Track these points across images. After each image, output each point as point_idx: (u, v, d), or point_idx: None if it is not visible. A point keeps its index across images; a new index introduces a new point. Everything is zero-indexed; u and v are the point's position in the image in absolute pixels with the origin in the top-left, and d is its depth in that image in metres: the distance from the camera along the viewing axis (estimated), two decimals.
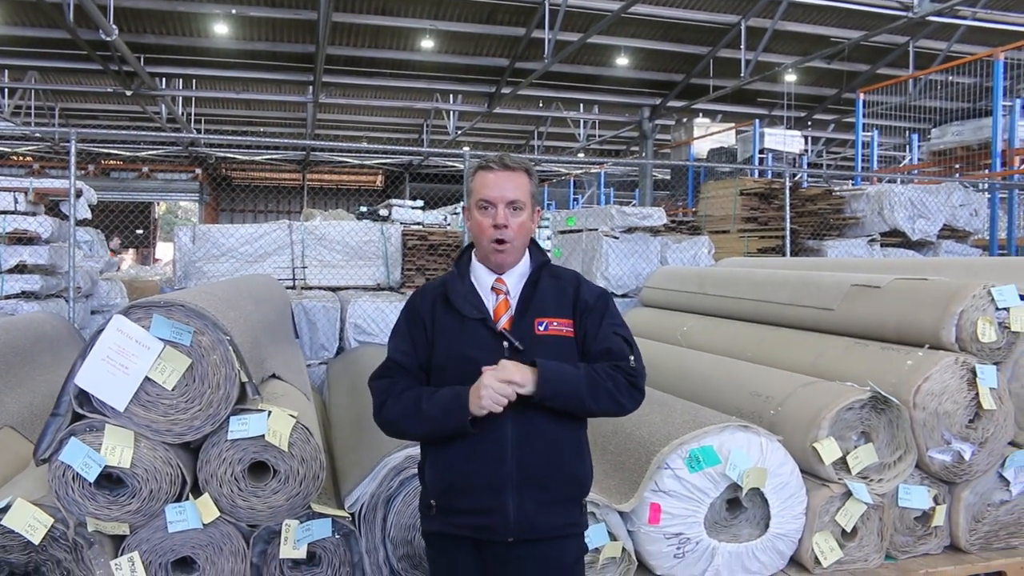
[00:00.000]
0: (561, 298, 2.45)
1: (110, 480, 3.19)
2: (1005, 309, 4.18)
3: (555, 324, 2.40)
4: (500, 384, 2.24)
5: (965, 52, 16.02)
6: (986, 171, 11.83)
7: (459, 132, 21.84)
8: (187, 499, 3.25)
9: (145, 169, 24.17)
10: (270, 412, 3.31)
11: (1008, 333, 4.19)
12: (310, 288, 7.70)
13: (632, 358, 2.40)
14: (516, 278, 2.48)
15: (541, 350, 2.33)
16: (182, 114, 20.62)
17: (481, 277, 2.49)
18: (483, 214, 2.42)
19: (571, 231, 8.27)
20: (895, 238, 9.48)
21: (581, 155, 22.97)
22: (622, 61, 18.67)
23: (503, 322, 2.40)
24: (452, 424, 2.30)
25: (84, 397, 3.16)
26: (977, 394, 4.04)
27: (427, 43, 17.27)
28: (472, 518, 2.33)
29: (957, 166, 13.09)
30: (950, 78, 16.15)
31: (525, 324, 2.39)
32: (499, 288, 2.46)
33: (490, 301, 2.45)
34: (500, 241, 2.40)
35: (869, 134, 15.21)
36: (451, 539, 2.38)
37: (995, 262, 6.16)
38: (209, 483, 3.27)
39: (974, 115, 12.72)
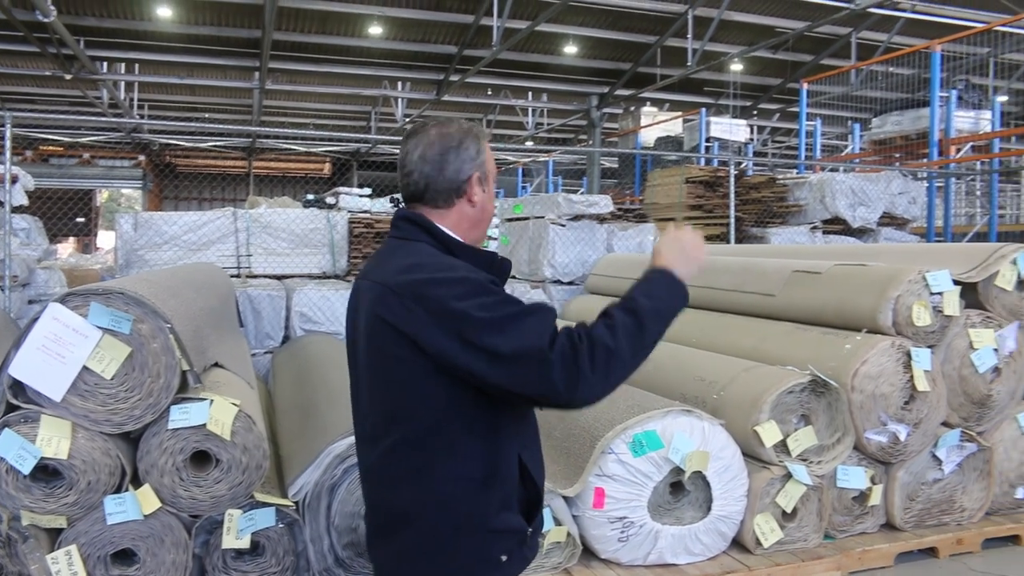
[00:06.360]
0: None
1: (46, 472, 3.13)
2: (939, 294, 4.29)
3: None
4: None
5: (905, 44, 16.32)
6: (924, 160, 12.09)
7: (407, 120, 21.70)
8: (127, 490, 3.20)
9: (86, 155, 23.57)
10: (212, 401, 3.28)
11: (942, 317, 4.30)
12: (255, 276, 7.60)
13: None
14: None
15: None
16: (124, 99, 20.14)
17: None
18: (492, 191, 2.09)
19: (518, 219, 8.28)
20: (837, 225, 9.66)
21: (530, 143, 22.97)
22: (570, 49, 18.70)
23: None
24: (681, 305, 1.99)
25: (18, 387, 3.10)
26: (912, 376, 4.15)
27: (375, 29, 17.12)
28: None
29: (897, 155, 13.38)
30: (890, 69, 16.50)
31: None
32: None
33: None
34: None
35: (813, 123, 15.46)
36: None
37: (931, 248, 6.30)
38: (150, 473, 3.23)
39: (913, 105, 12.99)
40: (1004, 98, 16.33)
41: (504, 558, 1.90)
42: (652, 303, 1.91)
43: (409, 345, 1.81)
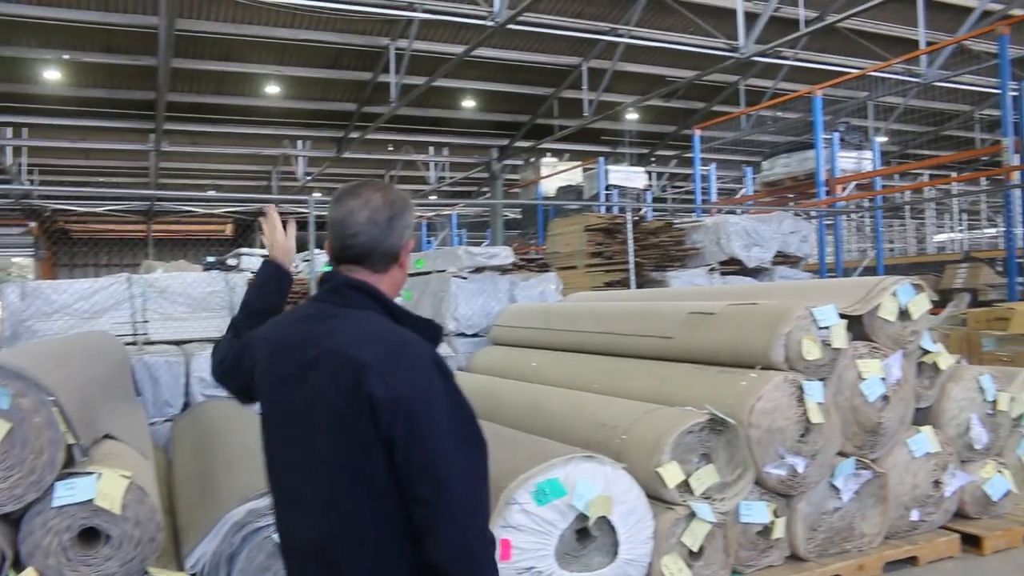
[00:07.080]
0: None
1: None
2: (826, 328, 4.44)
3: None
4: None
5: (789, 89, 17.07)
6: (813, 199, 12.59)
7: (308, 178, 21.58)
8: None
9: None
10: (100, 474, 3.16)
11: (830, 350, 4.45)
12: (153, 343, 7.37)
13: None
14: None
15: None
16: (12, 164, 19.50)
17: None
18: None
19: (420, 273, 8.26)
20: (733, 266, 9.92)
21: (433, 197, 23.06)
22: (469, 103, 18.97)
23: None
24: None
25: None
26: (806, 409, 4.27)
27: (272, 88, 17.07)
28: None
29: (789, 196, 13.91)
30: (778, 114, 17.22)
31: None
32: None
33: None
34: None
35: (708, 168, 15.96)
36: None
37: (819, 284, 6.54)
38: (33, 556, 3.07)
39: (800, 148, 13.55)
40: (883, 139, 17.20)
41: None
42: None
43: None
